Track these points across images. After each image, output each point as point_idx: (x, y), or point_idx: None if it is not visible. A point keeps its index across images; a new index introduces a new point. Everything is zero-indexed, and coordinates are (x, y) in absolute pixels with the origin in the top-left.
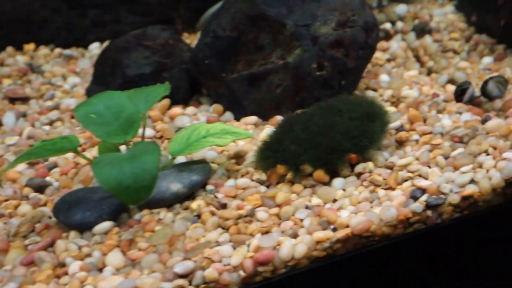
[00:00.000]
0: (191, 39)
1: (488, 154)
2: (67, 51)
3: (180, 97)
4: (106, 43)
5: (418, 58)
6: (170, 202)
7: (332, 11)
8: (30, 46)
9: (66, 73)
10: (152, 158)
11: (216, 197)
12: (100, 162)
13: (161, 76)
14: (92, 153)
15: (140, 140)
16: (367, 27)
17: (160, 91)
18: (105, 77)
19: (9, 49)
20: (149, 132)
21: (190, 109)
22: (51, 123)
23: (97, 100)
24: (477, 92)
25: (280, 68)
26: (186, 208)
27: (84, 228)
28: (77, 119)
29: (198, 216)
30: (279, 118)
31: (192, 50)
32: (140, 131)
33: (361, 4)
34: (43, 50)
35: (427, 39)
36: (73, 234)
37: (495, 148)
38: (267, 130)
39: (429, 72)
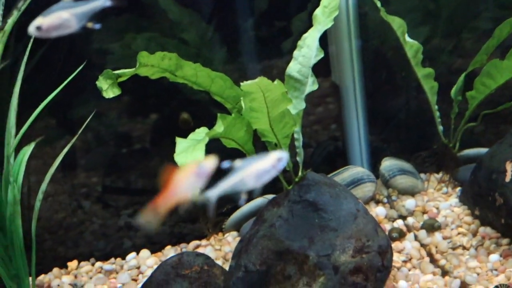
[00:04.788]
0: (221, 244)
1: None
2: (107, 266)
3: None
4: (142, 252)
5: (431, 257)
6: None
7: (348, 238)
8: (73, 264)
9: None
10: None
11: None
12: None
13: None
14: None
15: None
16: (381, 251)
17: None
18: None
19: (55, 270)
20: None
21: None
22: None
23: None
24: None
25: None
26: None
27: None
28: None
29: None
30: None
31: (225, 274)
32: None
33: (374, 229)
34: (86, 267)
35: (437, 236)
36: None
37: None
38: None
39: (443, 273)
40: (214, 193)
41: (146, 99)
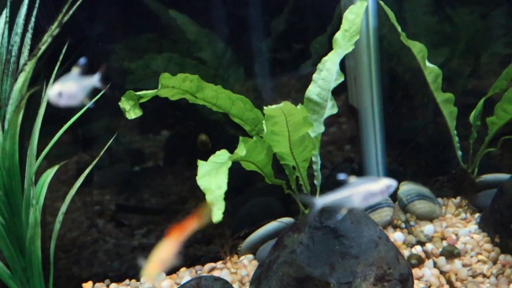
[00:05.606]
0: (237, 267)
1: None
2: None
3: None
4: None
5: (451, 284)
6: None
7: (370, 266)
8: (88, 285)
9: None
10: None
11: None
12: None
13: None
14: None
15: None
16: (402, 279)
17: None
18: None
19: None
20: None
21: None
22: None
23: None
24: None
25: None
26: None
27: None
28: None
29: None
30: None
31: None
32: None
33: (395, 257)
34: None
35: (457, 263)
36: None
37: None
38: None
39: None
40: (321, 202)
41: (162, 117)
